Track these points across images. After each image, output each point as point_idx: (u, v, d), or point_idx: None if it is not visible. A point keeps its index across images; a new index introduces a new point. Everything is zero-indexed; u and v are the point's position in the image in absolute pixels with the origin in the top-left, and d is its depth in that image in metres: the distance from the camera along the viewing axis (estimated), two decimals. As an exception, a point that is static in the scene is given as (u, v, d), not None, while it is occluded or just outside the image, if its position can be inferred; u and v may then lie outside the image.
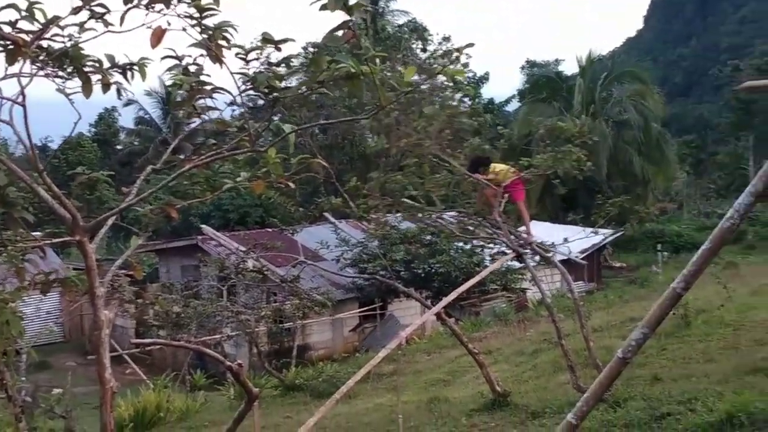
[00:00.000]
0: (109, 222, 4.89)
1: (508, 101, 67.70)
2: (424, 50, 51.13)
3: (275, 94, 4.26)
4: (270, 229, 32.15)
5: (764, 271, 25.18)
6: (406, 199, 13.33)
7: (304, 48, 46.10)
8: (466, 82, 50.43)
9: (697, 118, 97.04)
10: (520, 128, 44.85)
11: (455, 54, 4.26)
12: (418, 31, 53.04)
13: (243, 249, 22.44)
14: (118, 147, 66.20)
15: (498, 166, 12.63)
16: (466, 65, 4.13)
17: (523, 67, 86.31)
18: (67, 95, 4.36)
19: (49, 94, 4.69)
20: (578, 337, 13.44)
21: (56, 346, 31.91)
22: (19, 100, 4.09)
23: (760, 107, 65.87)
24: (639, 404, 9.77)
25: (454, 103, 12.92)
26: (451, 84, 13.98)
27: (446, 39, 54.54)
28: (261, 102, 4.67)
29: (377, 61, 3.91)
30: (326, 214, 30.53)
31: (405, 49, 49.82)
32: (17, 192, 4.06)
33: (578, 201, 44.65)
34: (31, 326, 30.45)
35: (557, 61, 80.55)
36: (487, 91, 64.20)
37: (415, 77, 4.45)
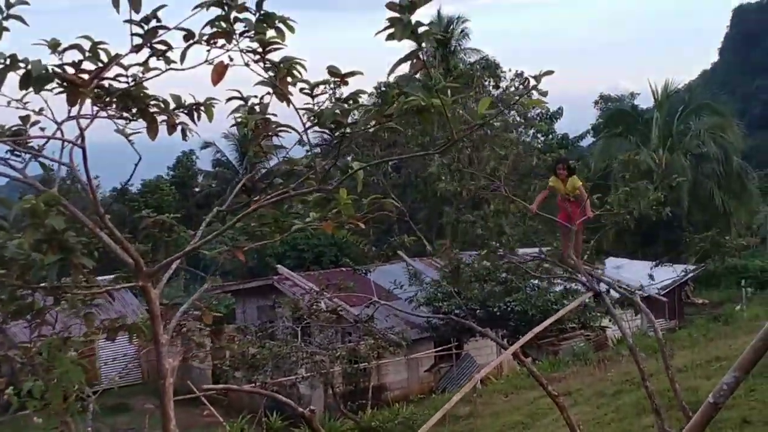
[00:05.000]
0: (174, 266, 4.77)
1: (582, 137, 66.91)
2: (496, 87, 50.81)
3: (342, 130, 4.10)
4: (344, 269, 32.16)
5: None
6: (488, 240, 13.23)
7: (377, 88, 46.26)
8: (539, 119, 50.10)
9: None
10: (597, 163, 44.35)
11: (532, 82, 4.01)
12: (490, 68, 52.78)
13: (316, 289, 22.37)
14: (196, 189, 67.07)
15: (577, 181, 12.58)
16: (545, 93, 3.89)
17: (596, 102, 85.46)
18: (126, 136, 4.27)
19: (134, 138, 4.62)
20: (662, 377, 12.98)
21: (136, 388, 32.11)
22: (79, 142, 3.99)
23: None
24: (730, 450, 9.31)
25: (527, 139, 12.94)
26: (523, 120, 13.88)
27: (519, 75, 54.32)
28: (334, 140, 4.52)
29: (449, 93, 3.72)
30: (400, 253, 30.39)
31: (477, 87, 49.65)
32: (76, 237, 3.95)
33: (658, 236, 43.78)
34: (113, 368, 30.84)
35: (632, 95, 79.56)
36: (561, 127, 63.61)
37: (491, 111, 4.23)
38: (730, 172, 48.50)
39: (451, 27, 55.33)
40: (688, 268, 35.25)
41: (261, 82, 4.22)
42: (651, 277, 15.38)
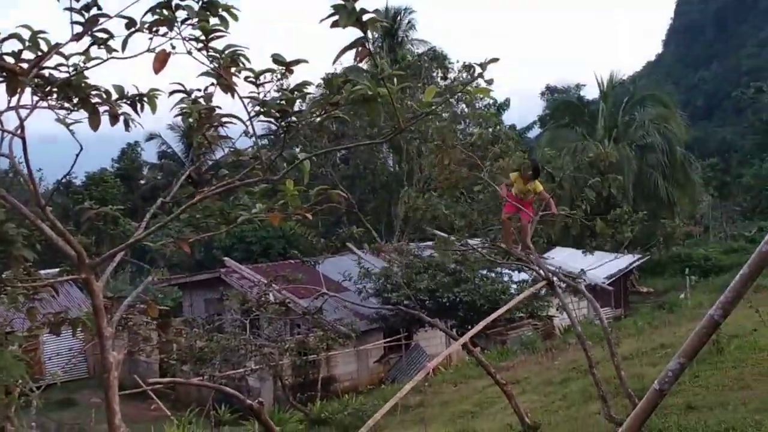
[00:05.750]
0: (117, 258, 4.70)
1: (529, 128, 67.45)
2: (445, 78, 50.95)
3: (288, 119, 4.06)
4: (292, 261, 32.04)
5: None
6: (436, 231, 13.25)
7: (324, 79, 45.83)
8: (486, 110, 50.33)
9: (720, 140, 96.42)
10: (544, 154, 44.71)
11: (478, 70, 3.99)
12: (438, 59, 52.90)
13: (264, 282, 22.23)
14: (142, 182, 66.29)
15: (539, 185, 12.60)
16: (490, 81, 3.86)
17: (543, 93, 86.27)
18: (67, 126, 4.18)
19: (77, 131, 4.52)
20: (608, 365, 13.12)
21: (81, 383, 31.71)
22: (19, 132, 3.91)
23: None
24: (674, 435, 9.45)
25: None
26: (471, 112, 14.01)
27: (467, 67, 54.39)
28: (280, 130, 4.47)
29: (395, 81, 3.70)
30: (349, 245, 30.37)
31: (425, 78, 49.75)
32: (16, 229, 3.87)
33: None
34: (58, 362, 30.43)
35: (578, 86, 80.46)
36: (508, 118, 63.94)
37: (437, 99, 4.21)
38: (674, 162, 49.10)
39: (398, 18, 55.28)
40: (633, 256, 35.72)
41: (205, 73, 4.17)
42: (583, 272, 15.56)
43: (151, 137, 61.58)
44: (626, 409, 11.19)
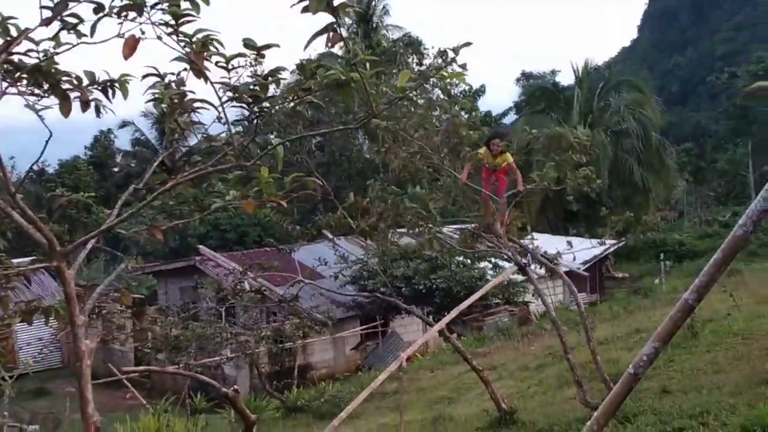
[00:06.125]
0: (89, 245, 4.64)
1: (505, 114, 67.45)
2: (420, 64, 50.86)
3: (260, 105, 4.01)
4: (268, 249, 31.94)
5: (769, 278, 24.83)
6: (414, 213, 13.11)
7: (299, 66, 45.66)
8: (462, 96, 50.31)
9: (695, 126, 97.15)
10: (519, 140, 44.84)
11: (451, 55, 3.97)
12: (413, 45, 52.81)
13: (239, 269, 22.13)
14: (115, 169, 65.88)
15: (509, 157, 12.39)
16: (464, 66, 3.83)
17: (518, 79, 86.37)
18: (36, 112, 4.12)
19: (49, 118, 4.46)
20: (583, 350, 13.18)
21: (55, 372, 31.57)
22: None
23: (757, 113, 65.94)
24: (649, 419, 9.50)
25: (454, 113, 12.68)
26: (446, 98, 13.93)
27: (442, 53, 54.32)
28: (252, 116, 4.42)
29: (367, 65, 3.67)
30: (325, 232, 30.30)
31: (400, 64, 49.66)
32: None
33: (579, 212, 44.48)
34: (31, 351, 30.27)
35: (553, 72, 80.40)
36: (484, 104, 63.94)
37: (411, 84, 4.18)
38: (649, 147, 49.32)
39: (373, 3, 55.07)
40: (605, 241, 35.88)
41: (177, 58, 4.12)
42: (569, 243, 15.55)
43: (124, 124, 61.31)
44: (601, 394, 11.26)
